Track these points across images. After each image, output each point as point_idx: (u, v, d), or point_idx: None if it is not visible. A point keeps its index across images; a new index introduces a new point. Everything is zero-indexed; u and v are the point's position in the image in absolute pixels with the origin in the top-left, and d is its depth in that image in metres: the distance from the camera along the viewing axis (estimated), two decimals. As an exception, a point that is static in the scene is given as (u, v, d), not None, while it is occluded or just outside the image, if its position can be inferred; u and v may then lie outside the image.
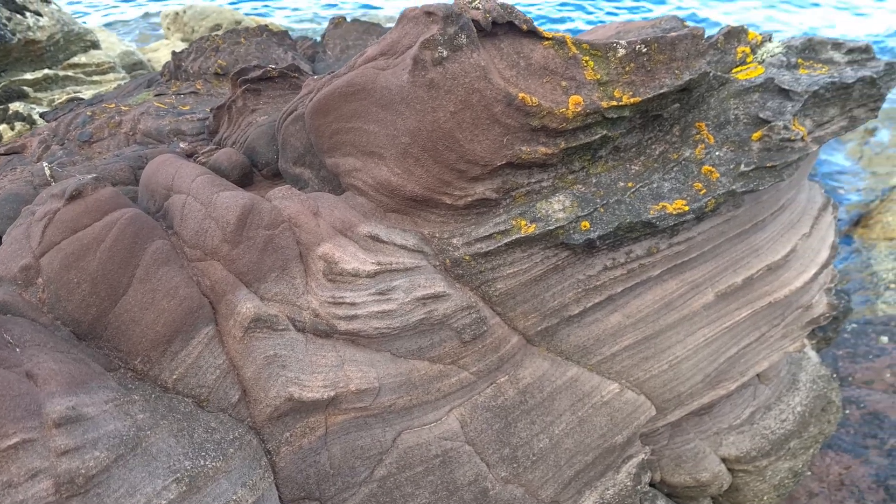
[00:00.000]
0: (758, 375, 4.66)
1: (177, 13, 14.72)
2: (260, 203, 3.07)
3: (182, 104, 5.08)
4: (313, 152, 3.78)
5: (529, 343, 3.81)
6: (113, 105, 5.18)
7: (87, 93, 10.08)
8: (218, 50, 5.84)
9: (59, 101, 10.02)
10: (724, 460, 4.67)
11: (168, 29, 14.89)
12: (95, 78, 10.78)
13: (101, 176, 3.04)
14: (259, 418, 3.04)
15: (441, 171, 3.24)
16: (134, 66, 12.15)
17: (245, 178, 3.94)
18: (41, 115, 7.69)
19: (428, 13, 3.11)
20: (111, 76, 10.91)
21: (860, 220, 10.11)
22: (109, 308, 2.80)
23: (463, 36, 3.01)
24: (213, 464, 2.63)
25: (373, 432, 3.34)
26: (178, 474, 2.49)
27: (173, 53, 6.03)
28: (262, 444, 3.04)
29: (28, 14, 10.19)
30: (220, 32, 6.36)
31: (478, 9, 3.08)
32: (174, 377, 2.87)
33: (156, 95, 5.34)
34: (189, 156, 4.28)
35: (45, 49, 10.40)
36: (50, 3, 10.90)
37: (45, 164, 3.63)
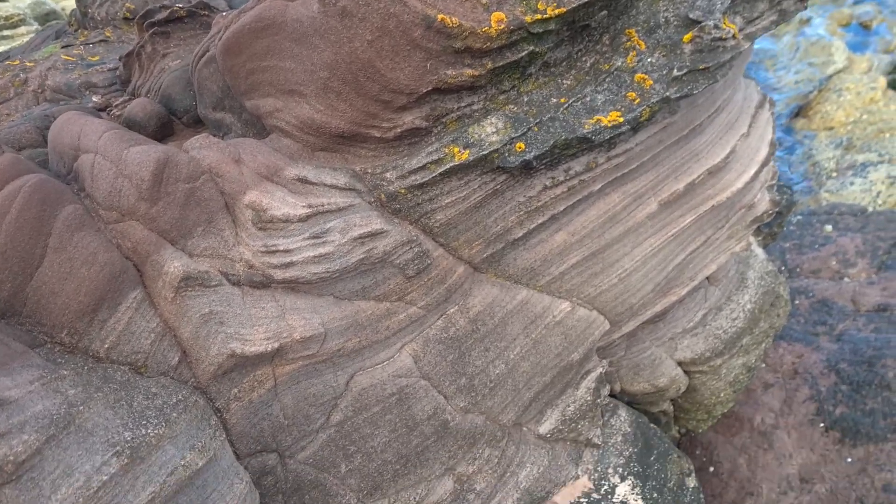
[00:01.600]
0: (707, 278, 4.70)
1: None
2: (176, 155, 2.90)
3: (91, 55, 4.76)
4: (232, 95, 3.58)
5: (477, 271, 3.74)
6: (17, 62, 4.85)
7: (-2, 49, 9.51)
8: (124, -8, 5.48)
9: (-32, 61, 9.44)
10: (680, 364, 4.74)
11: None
12: (6, 33, 10.17)
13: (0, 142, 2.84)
14: (203, 378, 2.95)
15: (365, 103, 3.09)
16: (47, 17, 11.49)
17: (164, 128, 3.73)
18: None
19: (333, -65, 2.90)
20: (23, 29, 10.30)
21: (800, 111, 10.18)
22: (25, 282, 2.65)
23: (372, -43, 2.81)
24: (156, 431, 2.54)
25: (324, 378, 3.28)
26: (118, 447, 2.40)
27: (78, 0, 5.66)
28: (210, 404, 2.96)
29: (-79, -31, 9.51)
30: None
31: (386, -74, 2.87)
32: (106, 346, 2.75)
33: (63, 48, 5.01)
34: (102, 109, 4.03)
35: (-55, 6, 9.77)
36: (-57, -45, 10.17)
37: (-59, 133, 3.39)
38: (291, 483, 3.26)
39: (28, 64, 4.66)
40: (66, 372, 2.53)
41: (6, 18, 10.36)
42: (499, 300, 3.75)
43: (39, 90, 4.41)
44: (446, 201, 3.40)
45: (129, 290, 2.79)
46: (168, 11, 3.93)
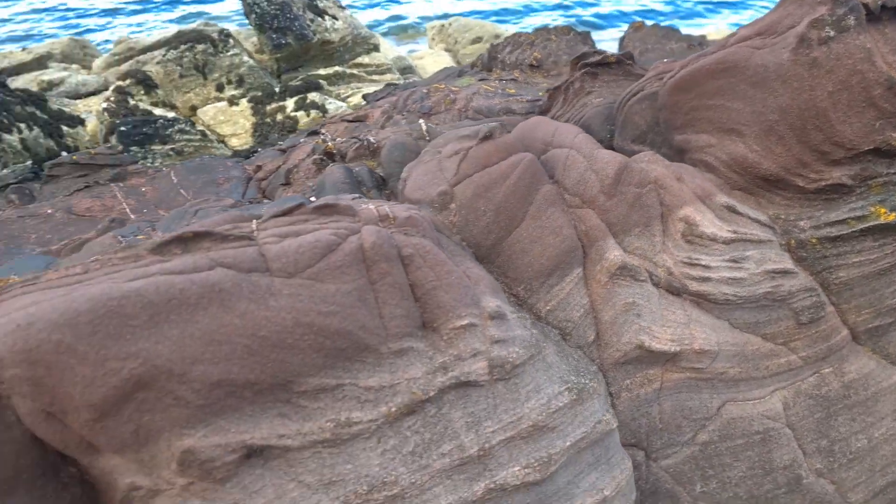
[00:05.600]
0: None
1: (442, 25, 15.75)
2: (631, 163, 3.33)
3: (507, 88, 5.53)
4: (657, 130, 3.98)
5: (854, 340, 3.75)
6: (443, 86, 5.75)
7: (367, 88, 11.06)
8: (532, 45, 6.29)
9: (346, 94, 11.11)
10: None
11: (433, 39, 15.96)
12: (375, 77, 11.81)
13: (503, 124, 3.45)
14: (607, 362, 3.26)
15: (802, 151, 3.32)
16: (404, 70, 13.15)
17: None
18: (364, 97, 8.60)
19: (815, -5, 3.22)
20: (388, 76, 11.91)
21: None
22: (505, 237, 3.17)
23: (851, 18, 3.08)
24: (591, 384, 2.88)
25: (701, 396, 3.46)
26: (569, 385, 2.77)
27: (491, 45, 6.57)
28: (606, 387, 3.27)
29: (327, 17, 11.40)
30: (528, 34, 6.80)
31: (867, -7, 3.14)
32: (548, 308, 3.18)
33: (480, 80, 5.86)
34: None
35: (336, 49, 11.57)
36: (345, 8, 12.12)
37: (422, 122, 4.15)
38: (650, 485, 3.44)
39: (454, 89, 5.52)
40: (525, 315, 2.97)
41: (377, 66, 12.07)
42: (875, 374, 3.71)
43: (464, 109, 5.19)
44: (854, 260, 3.48)
45: (575, 266, 3.22)
46: (601, 56, 4.50)
